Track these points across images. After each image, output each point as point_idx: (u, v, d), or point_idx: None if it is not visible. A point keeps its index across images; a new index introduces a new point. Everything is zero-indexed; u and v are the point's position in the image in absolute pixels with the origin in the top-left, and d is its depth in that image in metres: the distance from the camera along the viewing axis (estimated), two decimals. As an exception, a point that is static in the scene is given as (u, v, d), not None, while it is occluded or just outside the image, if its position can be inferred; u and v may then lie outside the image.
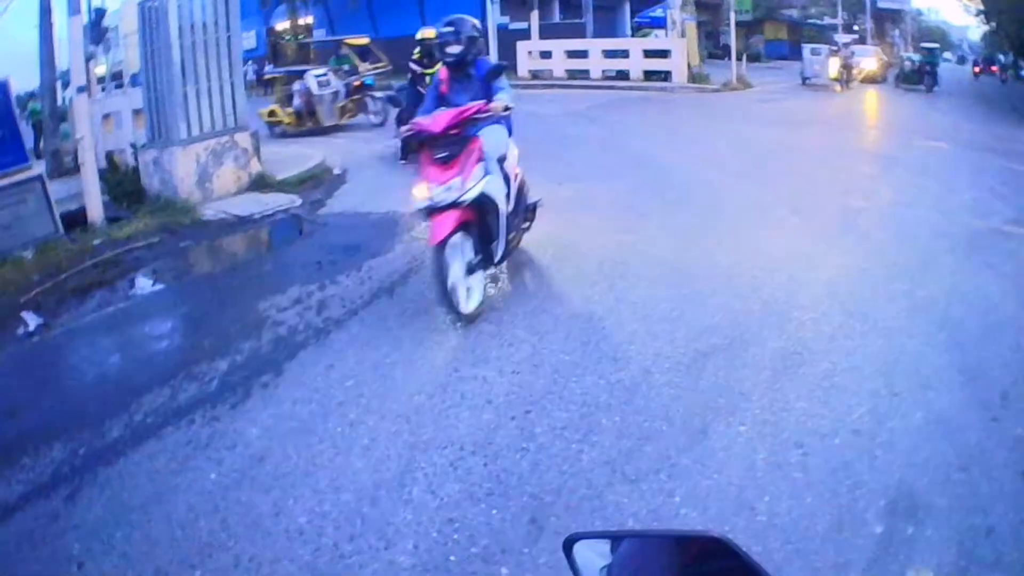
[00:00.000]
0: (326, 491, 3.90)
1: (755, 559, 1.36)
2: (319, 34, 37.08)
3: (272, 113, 18.28)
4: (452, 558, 3.43)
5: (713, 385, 4.82)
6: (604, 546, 1.54)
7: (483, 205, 5.89)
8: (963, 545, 3.35)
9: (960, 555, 3.30)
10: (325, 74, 18.53)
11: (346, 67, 19.51)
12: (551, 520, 3.62)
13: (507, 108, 6.05)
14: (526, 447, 4.20)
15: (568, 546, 1.53)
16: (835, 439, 4.17)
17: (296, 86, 18.37)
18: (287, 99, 18.58)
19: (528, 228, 7.06)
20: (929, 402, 4.52)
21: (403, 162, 11.46)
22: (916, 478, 3.81)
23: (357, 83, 18.64)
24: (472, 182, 5.72)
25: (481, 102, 6.05)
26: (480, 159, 5.85)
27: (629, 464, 4.02)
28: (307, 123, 17.95)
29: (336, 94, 18.22)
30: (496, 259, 6.18)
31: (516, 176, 6.62)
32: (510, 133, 6.64)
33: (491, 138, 6.09)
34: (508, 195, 6.24)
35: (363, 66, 19.38)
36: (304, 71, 19.13)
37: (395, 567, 3.39)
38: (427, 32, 12.14)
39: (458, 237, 5.75)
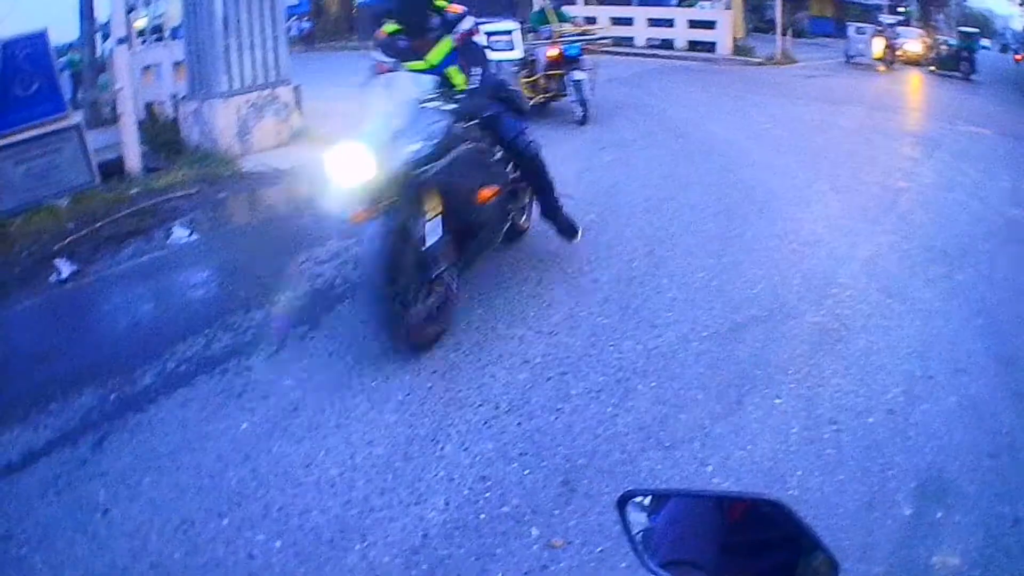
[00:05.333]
0: (358, 444, 3.89)
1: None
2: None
3: None
4: (482, 516, 3.41)
5: (750, 356, 4.77)
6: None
7: None
8: (990, 533, 3.31)
9: (986, 543, 3.25)
10: (508, 32, 12.34)
11: (543, 29, 13.18)
12: (583, 483, 3.60)
13: None
14: (561, 408, 4.18)
15: (622, 503, 1.52)
16: (869, 417, 4.12)
17: None
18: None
19: None
20: (963, 387, 4.45)
21: None
22: (947, 462, 3.76)
23: (554, 52, 12.18)
24: None
25: None
26: None
27: (664, 431, 3.99)
28: None
29: (523, 65, 12.45)
30: None
31: None
32: None
33: None
34: None
35: (565, 27, 13.34)
36: (478, 23, 12.23)
37: (425, 523, 3.38)
38: None
39: None
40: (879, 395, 4.33)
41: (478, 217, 5.13)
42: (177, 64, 11.14)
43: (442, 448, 3.86)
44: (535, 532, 3.31)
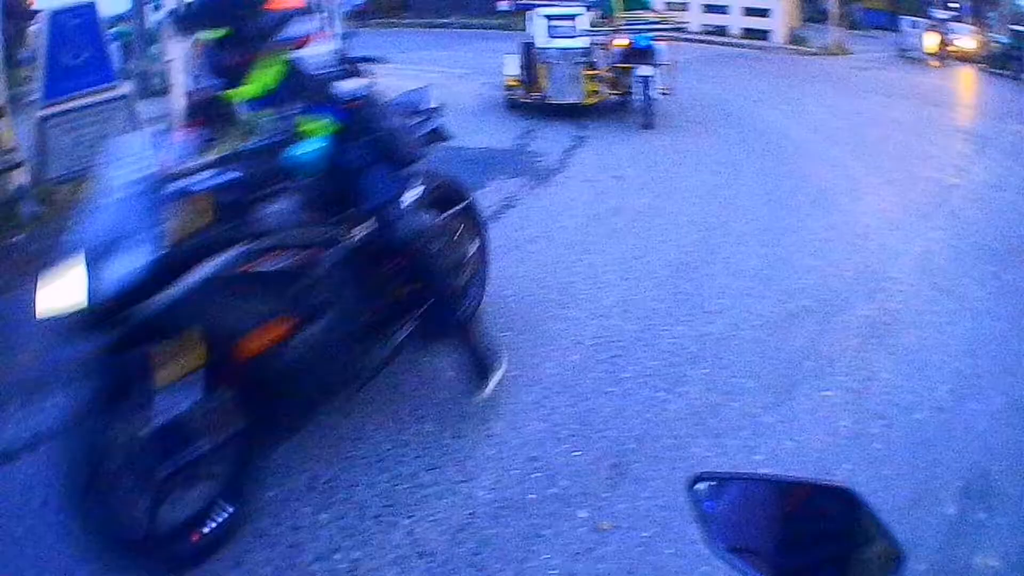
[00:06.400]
0: (408, 420, 3.87)
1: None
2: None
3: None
4: (530, 496, 3.38)
5: (801, 347, 4.71)
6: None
7: None
8: (1032, 538, 3.24)
9: (1027, 548, 3.19)
10: (571, 17, 10.89)
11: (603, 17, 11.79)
12: (633, 467, 3.56)
13: None
14: (612, 391, 4.15)
15: (692, 485, 1.49)
16: (917, 414, 4.05)
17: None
18: (525, 51, 11.18)
19: None
20: (1010, 387, 4.35)
21: None
22: (992, 463, 3.68)
23: (623, 42, 10.77)
24: None
25: None
26: None
27: (714, 418, 3.96)
28: (532, 93, 10.96)
29: (585, 55, 10.82)
30: None
31: None
32: None
33: None
34: None
35: (643, 15, 11.77)
36: (534, 5, 11.38)
37: (473, 501, 3.35)
38: None
39: None
40: (928, 392, 4.26)
41: (259, 375, 3.05)
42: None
43: (492, 427, 3.83)
44: (583, 514, 3.28)
